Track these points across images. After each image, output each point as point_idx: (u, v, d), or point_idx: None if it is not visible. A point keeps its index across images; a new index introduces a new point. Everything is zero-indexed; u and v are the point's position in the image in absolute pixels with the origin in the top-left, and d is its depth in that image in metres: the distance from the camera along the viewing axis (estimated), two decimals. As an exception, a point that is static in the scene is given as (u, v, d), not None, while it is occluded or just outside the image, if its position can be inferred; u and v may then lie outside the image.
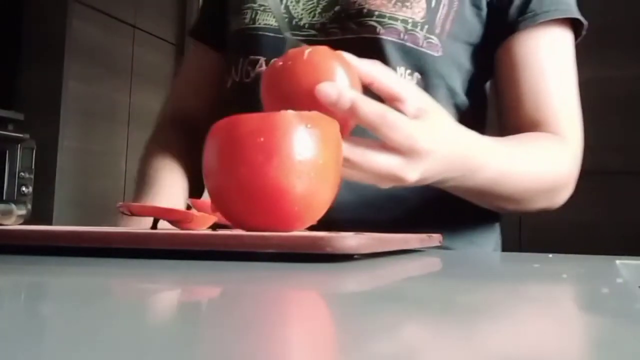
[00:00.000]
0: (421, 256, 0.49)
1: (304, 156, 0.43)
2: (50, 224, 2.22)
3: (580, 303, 0.25)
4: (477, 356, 0.15)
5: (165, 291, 0.26)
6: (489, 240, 0.81)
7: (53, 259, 0.37)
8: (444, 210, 0.72)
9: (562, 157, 0.73)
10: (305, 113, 0.45)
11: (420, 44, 0.71)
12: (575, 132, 0.75)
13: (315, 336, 0.18)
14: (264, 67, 0.74)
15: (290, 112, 0.44)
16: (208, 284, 0.29)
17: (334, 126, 0.46)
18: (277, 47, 0.71)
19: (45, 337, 0.16)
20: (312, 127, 0.44)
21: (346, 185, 0.51)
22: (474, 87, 0.77)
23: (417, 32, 0.71)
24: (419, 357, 0.15)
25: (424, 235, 0.51)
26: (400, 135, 0.51)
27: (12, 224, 1.60)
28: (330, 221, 0.48)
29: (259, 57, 0.75)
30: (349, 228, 0.52)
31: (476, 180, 0.62)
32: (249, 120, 0.43)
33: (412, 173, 0.53)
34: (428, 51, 0.71)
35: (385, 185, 0.55)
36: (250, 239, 0.38)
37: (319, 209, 0.46)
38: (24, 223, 2.08)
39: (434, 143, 0.53)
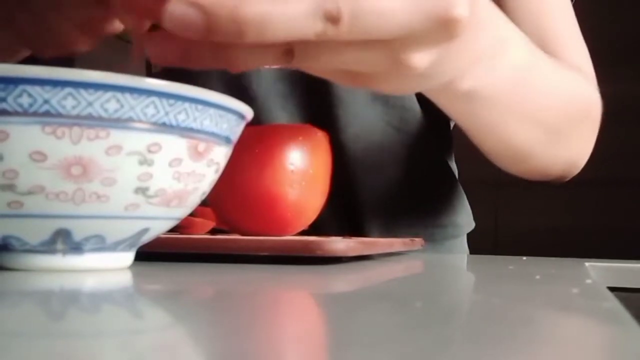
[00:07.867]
0: (405, 259, 0.49)
1: (296, 166, 0.43)
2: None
3: (552, 302, 0.25)
4: (460, 352, 0.15)
5: (165, 291, 0.26)
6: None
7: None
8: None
9: (585, 83, 0.54)
10: (298, 126, 0.45)
11: None
12: (591, 69, 0.58)
13: (306, 333, 0.18)
14: None
15: (283, 125, 0.44)
16: (206, 284, 0.29)
17: (323, 138, 0.46)
18: None
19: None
20: (303, 139, 0.44)
21: None
22: None
23: None
24: (407, 353, 0.14)
25: (407, 239, 0.52)
26: None
27: None
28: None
29: None
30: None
31: (505, 65, 0.41)
32: (245, 133, 0.44)
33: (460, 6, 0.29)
34: None
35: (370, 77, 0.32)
36: (246, 242, 0.37)
37: (310, 215, 0.46)
38: None
39: None
